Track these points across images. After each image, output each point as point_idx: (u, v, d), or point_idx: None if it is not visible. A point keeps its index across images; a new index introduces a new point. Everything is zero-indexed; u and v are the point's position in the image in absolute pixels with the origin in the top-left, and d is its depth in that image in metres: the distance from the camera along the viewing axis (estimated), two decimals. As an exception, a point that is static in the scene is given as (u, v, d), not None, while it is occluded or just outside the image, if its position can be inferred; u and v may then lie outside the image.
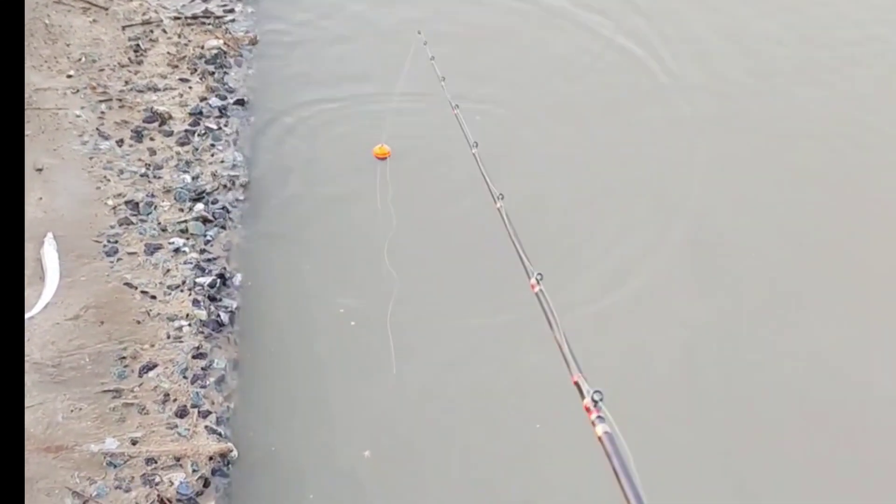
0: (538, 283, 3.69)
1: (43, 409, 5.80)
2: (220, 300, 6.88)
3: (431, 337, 6.61)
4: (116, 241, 7.02)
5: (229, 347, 6.64)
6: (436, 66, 6.36)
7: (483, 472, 6.06)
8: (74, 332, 6.30)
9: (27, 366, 5.99)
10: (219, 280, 6.93)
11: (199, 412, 6.05)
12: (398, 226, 6.95)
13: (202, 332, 6.55)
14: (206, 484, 5.73)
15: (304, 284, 7.25)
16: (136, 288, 6.70)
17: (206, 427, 5.99)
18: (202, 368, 6.32)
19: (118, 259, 6.89)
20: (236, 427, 6.21)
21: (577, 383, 3.14)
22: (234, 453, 5.93)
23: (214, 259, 7.16)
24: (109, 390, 6.02)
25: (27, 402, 5.79)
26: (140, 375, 6.15)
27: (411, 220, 7.32)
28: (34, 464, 5.49)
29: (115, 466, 5.61)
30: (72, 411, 5.84)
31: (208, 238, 7.28)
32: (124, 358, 6.22)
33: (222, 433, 6.02)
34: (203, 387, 6.23)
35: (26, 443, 5.56)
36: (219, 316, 6.74)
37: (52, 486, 5.43)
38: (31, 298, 6.43)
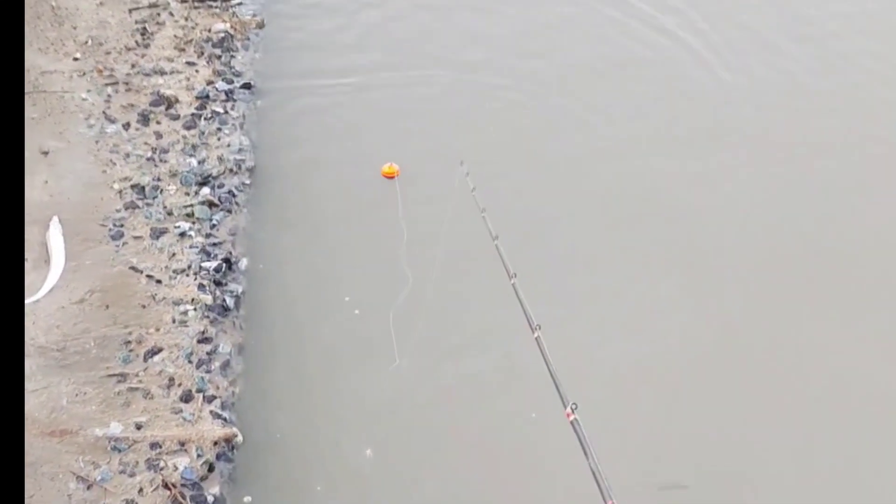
0: (573, 411, 3.76)
1: (47, 394, 5.79)
2: (226, 284, 6.85)
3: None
4: (122, 225, 6.99)
5: (235, 332, 6.62)
6: (477, 198, 6.14)
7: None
8: (79, 316, 6.28)
9: (31, 349, 5.99)
10: (224, 264, 6.90)
11: (204, 397, 6.03)
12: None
13: (207, 317, 6.52)
14: (211, 469, 5.72)
15: (311, 270, 7.21)
16: (142, 272, 6.67)
17: (211, 412, 5.98)
18: (207, 353, 6.30)
19: (124, 243, 6.87)
20: (241, 412, 6.20)
21: None
22: (239, 438, 5.92)
23: (220, 243, 7.13)
24: (114, 374, 6.01)
25: (32, 387, 5.78)
26: (145, 360, 6.13)
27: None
28: (38, 448, 5.48)
29: (120, 451, 5.60)
30: (76, 395, 5.82)
31: (214, 222, 7.24)
32: (129, 342, 6.20)
33: (227, 418, 6.01)
34: (208, 371, 6.21)
35: (31, 427, 5.56)
36: (224, 300, 6.71)
37: (57, 470, 5.42)
38: (36, 282, 6.42)
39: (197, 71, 8.82)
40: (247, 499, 5.75)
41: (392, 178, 7.78)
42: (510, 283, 4.95)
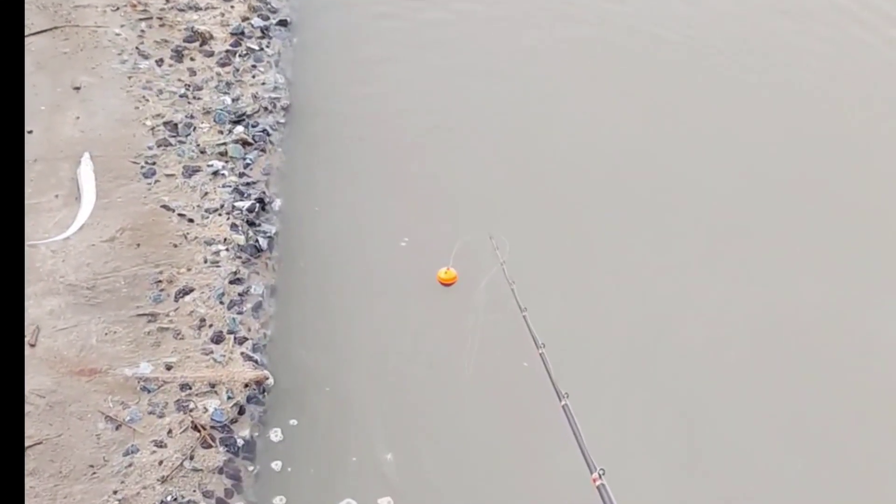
0: (600, 476, 3.75)
1: (77, 332, 5.69)
2: (259, 225, 6.70)
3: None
4: (154, 163, 6.85)
5: (267, 273, 6.48)
6: (506, 271, 5.92)
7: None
8: (110, 255, 6.16)
9: (61, 287, 5.89)
10: (258, 204, 6.75)
11: (235, 338, 5.91)
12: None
13: (240, 258, 6.39)
14: (242, 411, 5.61)
15: (347, 211, 7.05)
16: (174, 211, 6.54)
17: (242, 353, 5.86)
18: (239, 294, 6.17)
19: (155, 181, 6.73)
20: (273, 355, 6.07)
21: None
22: (270, 381, 5.80)
23: (254, 183, 6.97)
24: (144, 314, 5.89)
25: (61, 325, 5.69)
26: (176, 300, 6.01)
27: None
28: (67, 387, 5.39)
29: (149, 391, 5.50)
30: (106, 335, 5.72)
31: (248, 161, 7.08)
32: (160, 282, 6.08)
33: (258, 360, 5.88)
34: (240, 313, 6.08)
35: (59, 365, 5.48)
36: (257, 241, 6.57)
37: (85, 409, 5.33)
38: (66, 219, 6.31)
39: (232, 7, 8.62)
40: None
41: (449, 285, 6.48)
42: (538, 353, 4.90)
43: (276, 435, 5.65)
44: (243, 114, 7.44)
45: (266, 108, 7.61)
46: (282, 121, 7.67)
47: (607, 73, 8.62)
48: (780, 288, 6.74)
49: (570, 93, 8.35)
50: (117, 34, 7.92)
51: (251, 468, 5.48)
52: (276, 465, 5.52)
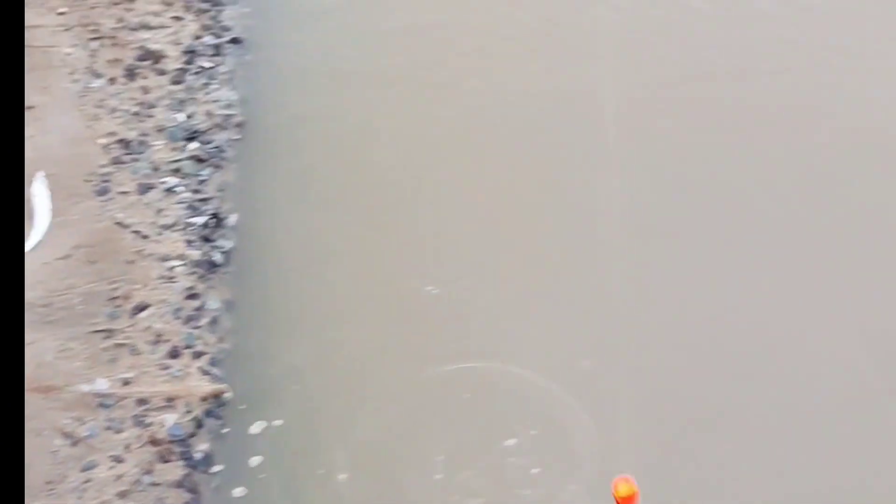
0: None
1: (33, 349, 5.68)
2: (215, 240, 6.73)
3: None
4: (108, 181, 6.87)
5: (223, 288, 6.51)
6: None
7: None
8: (65, 272, 6.17)
9: (16, 305, 5.87)
10: (213, 220, 6.79)
11: (192, 353, 5.95)
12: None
13: (196, 273, 6.42)
14: (200, 425, 5.64)
15: (302, 225, 7.09)
16: (128, 227, 6.56)
17: (199, 368, 5.89)
18: (195, 309, 6.20)
19: (110, 198, 6.74)
20: (230, 368, 6.09)
21: None
22: (228, 395, 5.83)
23: (209, 199, 7.00)
24: (100, 330, 5.91)
25: (16, 342, 5.67)
26: (132, 316, 6.03)
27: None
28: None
29: (106, 407, 5.51)
30: (62, 351, 5.73)
31: (202, 178, 7.11)
32: (116, 298, 6.10)
33: (216, 374, 5.91)
34: (196, 327, 6.11)
35: (15, 383, 5.46)
36: (213, 256, 6.60)
37: (42, 426, 5.34)
38: (20, 237, 6.30)
39: (184, 26, 8.63)
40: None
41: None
42: None
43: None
44: (197, 131, 7.47)
45: (220, 125, 7.65)
46: (236, 137, 7.69)
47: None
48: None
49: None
50: (68, 53, 7.91)
51: (210, 482, 5.50)
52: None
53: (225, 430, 5.79)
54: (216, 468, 5.63)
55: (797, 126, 7.76)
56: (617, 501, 4.93)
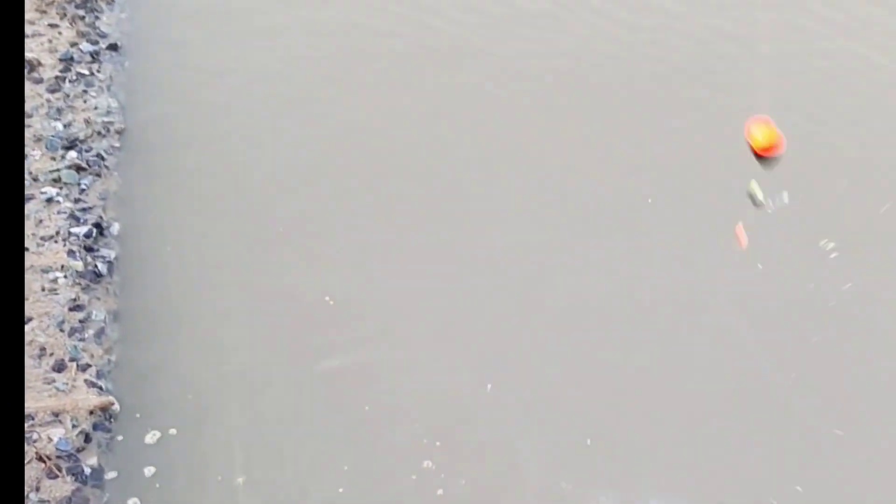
0: None
1: None
2: (98, 250, 6.61)
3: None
4: (-17, 193, 6.66)
5: (108, 299, 6.40)
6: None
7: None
8: (-60, 288, 5.97)
9: None
10: (95, 230, 6.66)
11: (77, 366, 5.83)
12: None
13: (79, 284, 6.29)
14: (88, 439, 5.54)
15: (186, 231, 7.01)
16: (7, 240, 6.37)
17: (85, 381, 5.78)
18: (80, 321, 6.08)
19: (-14, 211, 6.54)
20: (118, 380, 6.00)
21: None
22: (116, 407, 5.74)
23: (90, 208, 6.86)
24: (-20, 347, 5.73)
25: None
26: (13, 330, 5.87)
27: None
28: None
29: (-11, 425, 5.35)
30: (-61, 370, 5.53)
31: (83, 187, 6.97)
32: (-5, 313, 5.92)
33: (103, 387, 5.82)
34: (81, 340, 6.00)
35: None
36: (96, 266, 6.48)
37: (-79, 448, 5.15)
38: None
39: (60, 33, 8.44)
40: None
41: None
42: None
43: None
44: (76, 139, 7.31)
45: (100, 133, 7.50)
46: (117, 145, 7.56)
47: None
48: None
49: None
50: (-63, 63, 7.66)
51: (101, 497, 5.41)
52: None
53: (117, 442, 5.70)
54: (108, 479, 5.54)
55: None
56: (755, 153, 3.76)
